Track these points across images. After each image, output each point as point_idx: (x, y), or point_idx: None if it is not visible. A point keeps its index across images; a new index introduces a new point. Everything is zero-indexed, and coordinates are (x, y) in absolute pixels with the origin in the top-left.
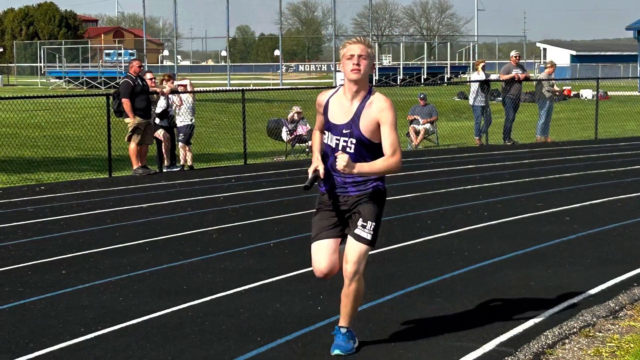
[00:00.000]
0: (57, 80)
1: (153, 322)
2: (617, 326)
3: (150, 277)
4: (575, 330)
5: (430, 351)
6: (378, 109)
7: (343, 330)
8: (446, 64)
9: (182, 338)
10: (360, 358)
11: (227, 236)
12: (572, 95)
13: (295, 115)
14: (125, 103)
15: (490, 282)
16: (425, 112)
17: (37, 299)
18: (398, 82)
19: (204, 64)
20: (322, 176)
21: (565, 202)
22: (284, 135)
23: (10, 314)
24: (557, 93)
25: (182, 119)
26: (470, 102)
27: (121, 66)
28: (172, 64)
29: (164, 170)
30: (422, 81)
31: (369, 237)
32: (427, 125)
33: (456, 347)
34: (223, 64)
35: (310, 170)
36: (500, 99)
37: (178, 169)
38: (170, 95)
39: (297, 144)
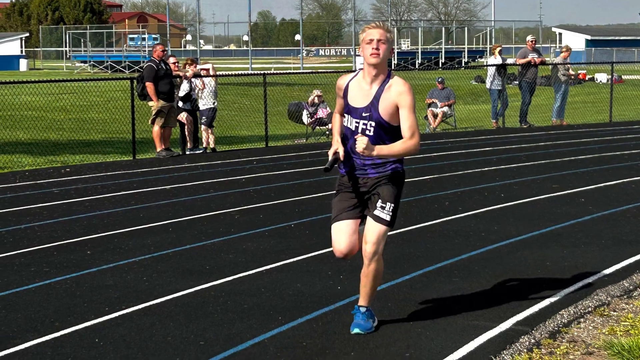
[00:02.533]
0: (82, 64)
1: (176, 302)
2: (631, 305)
3: (173, 257)
4: (590, 309)
5: (448, 330)
6: (397, 93)
7: (362, 310)
8: (463, 48)
9: (204, 317)
10: (379, 337)
11: (249, 217)
12: (587, 79)
13: (316, 98)
14: (149, 86)
15: (507, 262)
16: (443, 96)
17: (62, 278)
18: (416, 66)
19: (226, 48)
20: (342, 158)
21: (580, 184)
22: (305, 118)
23: (36, 294)
24: (573, 77)
25: (205, 102)
26: (488, 85)
27: (145, 50)
28: (195, 48)
29: (187, 152)
30: (440, 65)
31: (388, 218)
32: (445, 109)
33: (473, 326)
34: (245, 48)
35: (331, 153)
36: (517, 82)
37: (201, 151)
38: (193, 79)
39: (318, 127)
